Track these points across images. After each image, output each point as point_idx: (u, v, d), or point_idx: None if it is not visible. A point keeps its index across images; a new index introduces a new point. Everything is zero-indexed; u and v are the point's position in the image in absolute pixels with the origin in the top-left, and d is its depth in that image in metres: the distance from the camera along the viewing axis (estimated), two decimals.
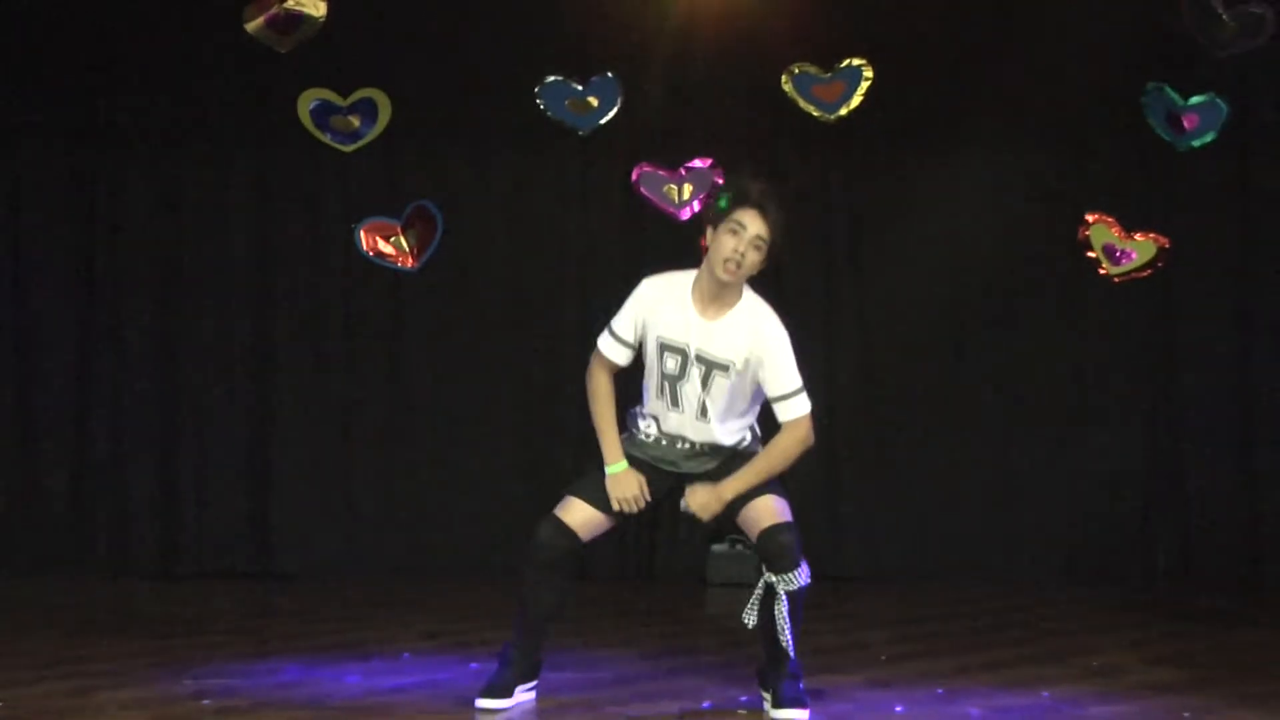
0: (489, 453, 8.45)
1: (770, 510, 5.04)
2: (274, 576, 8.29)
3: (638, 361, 5.24)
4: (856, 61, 7.92)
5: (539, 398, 8.49)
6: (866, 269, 8.48)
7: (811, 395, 8.59)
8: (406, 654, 6.18)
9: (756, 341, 5.04)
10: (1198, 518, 8.30)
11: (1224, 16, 7.44)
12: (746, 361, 5.04)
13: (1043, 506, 8.31)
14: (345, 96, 8.03)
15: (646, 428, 5.24)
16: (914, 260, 8.42)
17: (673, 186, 8.15)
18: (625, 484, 5.17)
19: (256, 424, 8.45)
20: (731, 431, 5.18)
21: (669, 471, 5.25)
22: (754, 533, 5.06)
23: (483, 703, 5.17)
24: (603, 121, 7.97)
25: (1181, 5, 7.55)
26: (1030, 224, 8.35)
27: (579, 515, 5.17)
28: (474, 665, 5.90)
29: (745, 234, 4.94)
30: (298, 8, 7.66)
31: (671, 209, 8.16)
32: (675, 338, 5.07)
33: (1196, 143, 7.85)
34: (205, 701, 5.26)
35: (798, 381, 5.10)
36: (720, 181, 8.11)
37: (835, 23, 8.10)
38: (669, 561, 8.41)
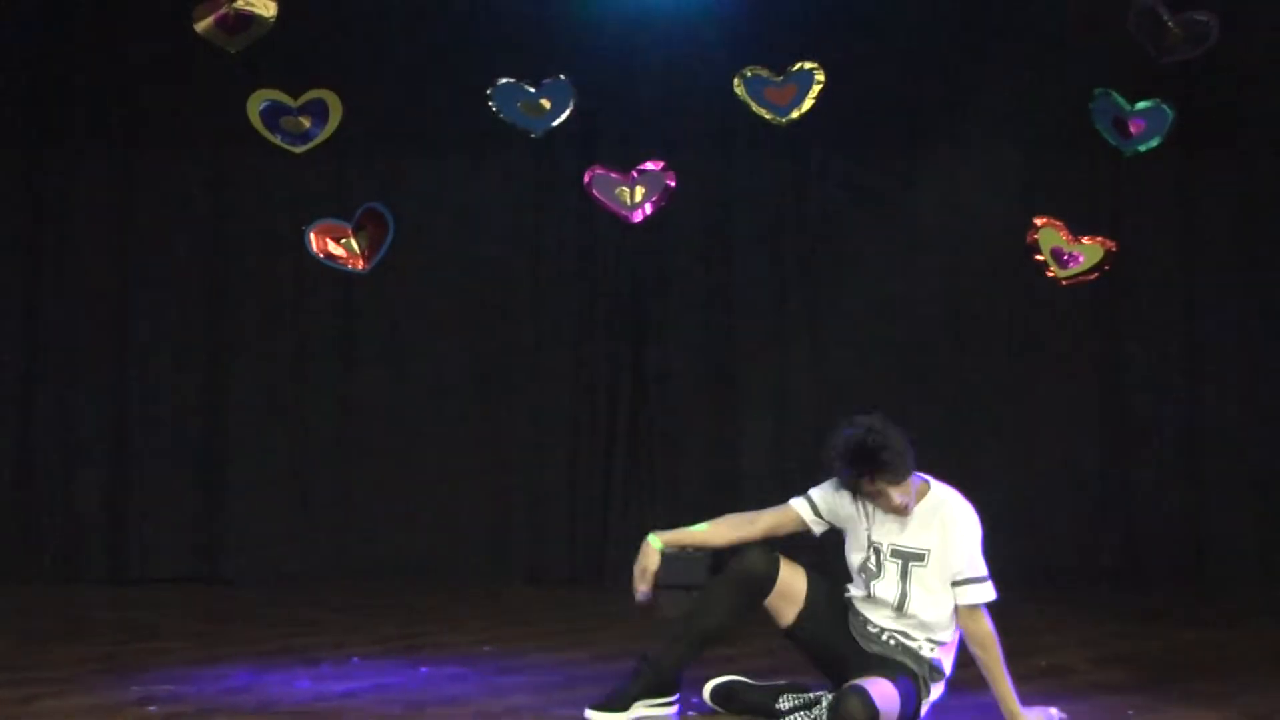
0: (440, 457, 8.42)
1: (877, 684, 4.82)
2: (223, 582, 8.24)
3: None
4: (808, 65, 7.96)
5: (492, 401, 8.48)
6: (819, 275, 8.51)
7: (763, 401, 8.58)
8: (356, 659, 6.15)
9: (945, 520, 4.99)
10: (1144, 518, 8.37)
11: (1170, 24, 7.52)
12: (942, 543, 4.98)
13: (991, 508, 8.31)
14: (296, 97, 8.00)
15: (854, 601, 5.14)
16: (866, 265, 8.46)
17: (625, 189, 8.16)
18: (644, 555, 5.18)
19: (206, 428, 8.39)
20: (928, 635, 5.01)
21: (856, 641, 5.07)
22: (844, 681, 4.91)
23: (592, 715, 5.04)
24: (555, 124, 7.97)
25: (1129, 12, 7.63)
26: (980, 228, 8.40)
27: (790, 570, 5.05)
28: (424, 670, 5.89)
29: (889, 496, 4.92)
30: (248, 8, 7.63)
31: (624, 211, 8.17)
32: (869, 536, 5.01)
33: (1142, 147, 7.93)
34: (152, 708, 5.23)
35: (983, 569, 5.03)
36: (673, 184, 8.13)
37: (788, 25, 8.14)
38: (620, 563, 8.41)
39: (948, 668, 5.08)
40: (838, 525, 5.10)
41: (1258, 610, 7.49)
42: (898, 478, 4.89)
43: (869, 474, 4.88)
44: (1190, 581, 8.22)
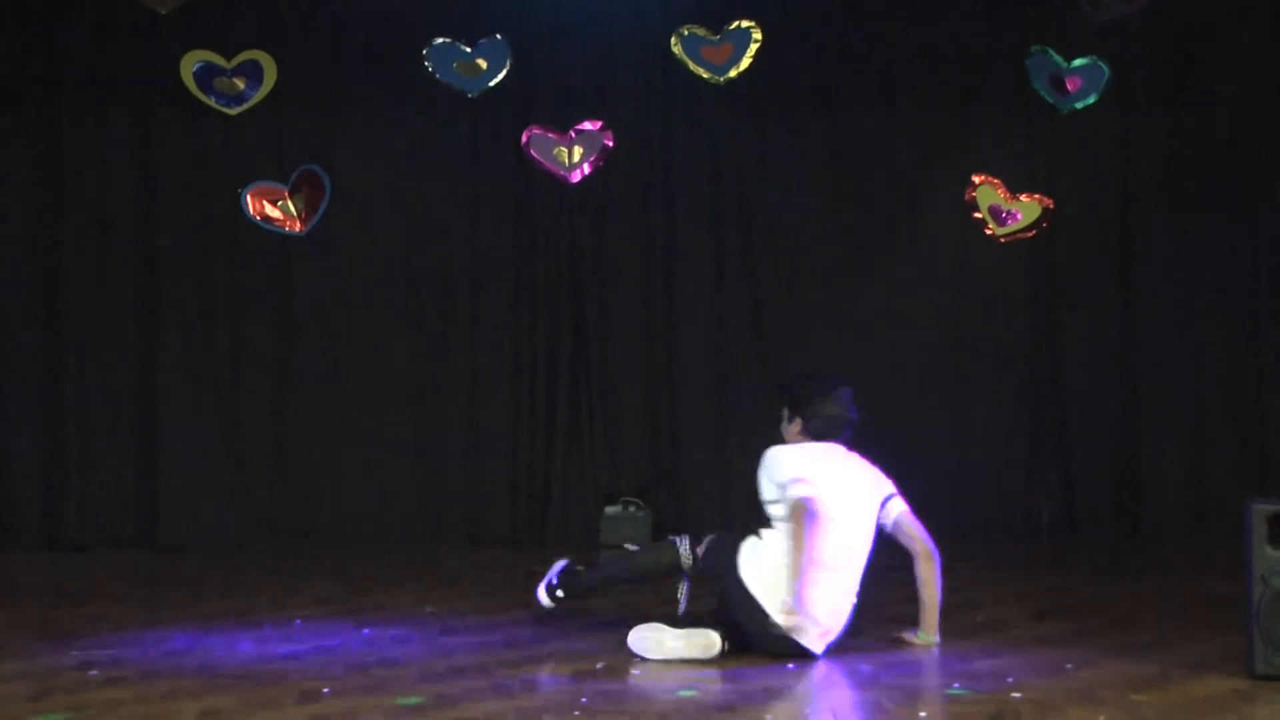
0: (378, 419, 8.39)
1: None
2: (161, 545, 8.18)
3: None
4: (745, 24, 7.95)
5: (429, 364, 8.45)
6: (756, 234, 8.52)
7: (702, 360, 8.63)
8: (298, 620, 6.13)
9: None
10: (1080, 473, 8.46)
11: None
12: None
13: (928, 463, 8.40)
14: (229, 58, 7.91)
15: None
16: (803, 225, 8.49)
17: (563, 149, 8.13)
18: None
19: (142, 390, 8.32)
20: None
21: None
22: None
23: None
24: (492, 84, 7.92)
25: None
26: (918, 186, 8.44)
27: None
28: (366, 631, 5.88)
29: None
30: None
31: (562, 171, 8.14)
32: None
33: (1079, 104, 7.98)
34: (92, 672, 5.19)
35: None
36: (611, 144, 8.11)
37: None
38: (561, 524, 8.42)
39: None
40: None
41: (1189, 562, 7.60)
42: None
43: None
44: (1124, 536, 8.33)
